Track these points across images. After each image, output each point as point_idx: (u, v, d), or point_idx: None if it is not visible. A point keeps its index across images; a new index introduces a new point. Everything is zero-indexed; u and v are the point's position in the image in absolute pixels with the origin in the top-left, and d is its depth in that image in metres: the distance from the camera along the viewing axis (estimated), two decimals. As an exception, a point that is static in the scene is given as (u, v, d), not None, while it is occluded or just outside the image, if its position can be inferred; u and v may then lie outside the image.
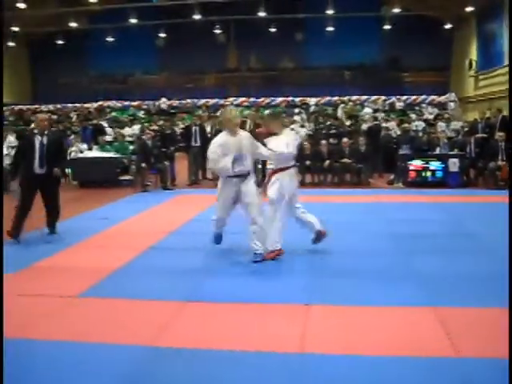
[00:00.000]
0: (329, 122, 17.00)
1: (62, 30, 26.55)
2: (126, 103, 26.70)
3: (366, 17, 24.06)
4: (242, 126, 7.73)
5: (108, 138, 15.44)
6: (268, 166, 12.53)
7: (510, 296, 3.92)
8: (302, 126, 17.13)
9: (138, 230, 7.32)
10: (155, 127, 16.46)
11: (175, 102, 26.32)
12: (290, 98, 25.43)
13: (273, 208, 5.52)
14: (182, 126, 16.02)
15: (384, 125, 15.54)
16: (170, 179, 11.88)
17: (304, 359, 3.31)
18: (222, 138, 5.49)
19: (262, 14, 23.85)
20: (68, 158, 13.05)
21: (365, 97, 24.49)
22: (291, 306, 4.23)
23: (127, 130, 18.15)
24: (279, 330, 3.75)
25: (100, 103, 26.44)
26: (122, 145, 13.49)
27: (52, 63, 28.39)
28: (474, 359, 3.26)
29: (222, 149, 5.36)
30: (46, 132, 6.71)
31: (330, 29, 25.72)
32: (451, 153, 12.01)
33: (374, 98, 24.39)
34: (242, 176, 5.43)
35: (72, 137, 15.53)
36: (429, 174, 11.48)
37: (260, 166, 12.28)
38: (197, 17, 24.14)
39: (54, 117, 24.90)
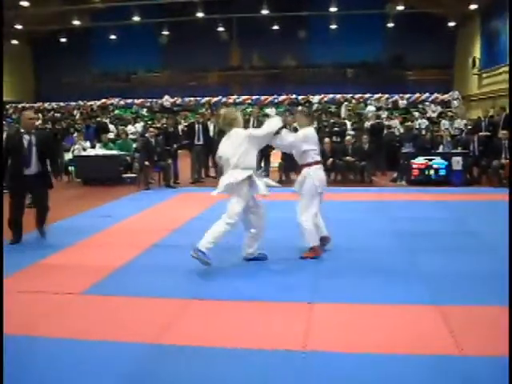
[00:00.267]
0: (332, 120, 16.96)
1: (65, 28, 26.63)
2: (129, 101, 26.77)
3: (369, 14, 24.01)
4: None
5: (111, 136, 15.46)
6: (271, 165, 12.58)
7: (511, 294, 3.91)
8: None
9: (140, 227, 7.32)
10: (158, 125, 16.47)
11: (178, 100, 26.36)
12: (293, 96, 25.44)
13: (308, 202, 5.50)
14: (184, 123, 15.97)
15: (387, 123, 15.52)
16: (173, 177, 11.88)
17: (307, 357, 3.30)
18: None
19: (264, 11, 23.87)
20: (71, 156, 13.13)
21: (368, 95, 24.47)
22: (294, 304, 4.22)
23: (130, 128, 18.16)
24: (282, 328, 3.74)
25: (103, 101, 26.51)
26: (125, 143, 13.49)
27: (55, 61, 28.46)
28: (476, 357, 3.25)
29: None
30: (32, 131, 6.36)
31: (333, 27, 25.73)
32: (454, 151, 11.99)
33: (377, 96, 24.37)
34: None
35: (75, 135, 15.57)
36: (432, 172, 11.44)
37: (263, 165, 12.30)
38: (200, 15, 24.15)
39: (57, 115, 25.01)
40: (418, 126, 15.97)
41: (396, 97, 24.35)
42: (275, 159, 12.52)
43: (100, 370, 3.17)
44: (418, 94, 24.54)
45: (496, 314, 3.87)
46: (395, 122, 16.03)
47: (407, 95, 24.54)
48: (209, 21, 25.25)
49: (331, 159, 11.92)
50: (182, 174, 12.51)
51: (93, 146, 13.67)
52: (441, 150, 12.17)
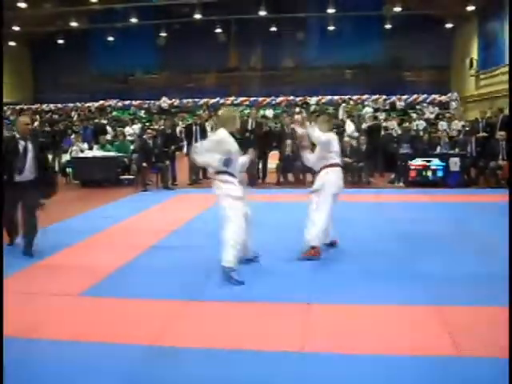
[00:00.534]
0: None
1: (63, 29, 26.61)
2: (127, 102, 26.76)
3: (366, 16, 24.05)
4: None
5: (109, 138, 15.44)
6: (269, 165, 12.58)
7: (510, 295, 3.92)
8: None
9: (138, 229, 7.32)
10: (156, 126, 16.46)
11: (176, 102, 26.36)
12: (291, 98, 25.46)
13: (327, 200, 5.61)
14: (182, 125, 15.96)
15: (385, 124, 15.54)
16: (170, 178, 11.88)
17: (305, 358, 3.31)
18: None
19: (262, 13, 23.85)
20: (69, 157, 13.11)
21: (366, 96, 24.50)
22: (292, 305, 4.22)
23: (128, 130, 18.14)
24: (280, 329, 3.75)
25: (101, 103, 26.50)
26: (123, 144, 13.48)
27: (53, 63, 28.42)
28: (476, 358, 3.26)
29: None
30: (28, 137, 6.09)
31: (331, 28, 25.72)
32: (452, 152, 12.01)
33: (374, 97, 24.40)
34: None
35: (73, 136, 15.54)
36: (429, 173, 11.45)
37: (261, 166, 12.31)
38: (197, 16, 24.15)
39: (55, 116, 24.97)
40: (415, 128, 15.96)
41: (394, 98, 24.38)
42: (273, 161, 12.53)
43: (98, 371, 3.17)
44: (415, 95, 24.59)
45: (495, 315, 3.88)
46: (393, 124, 16.04)
47: (405, 96, 24.58)
48: (207, 22, 25.23)
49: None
50: (180, 175, 12.51)
51: (90, 148, 13.65)
52: (438, 151, 12.20)
